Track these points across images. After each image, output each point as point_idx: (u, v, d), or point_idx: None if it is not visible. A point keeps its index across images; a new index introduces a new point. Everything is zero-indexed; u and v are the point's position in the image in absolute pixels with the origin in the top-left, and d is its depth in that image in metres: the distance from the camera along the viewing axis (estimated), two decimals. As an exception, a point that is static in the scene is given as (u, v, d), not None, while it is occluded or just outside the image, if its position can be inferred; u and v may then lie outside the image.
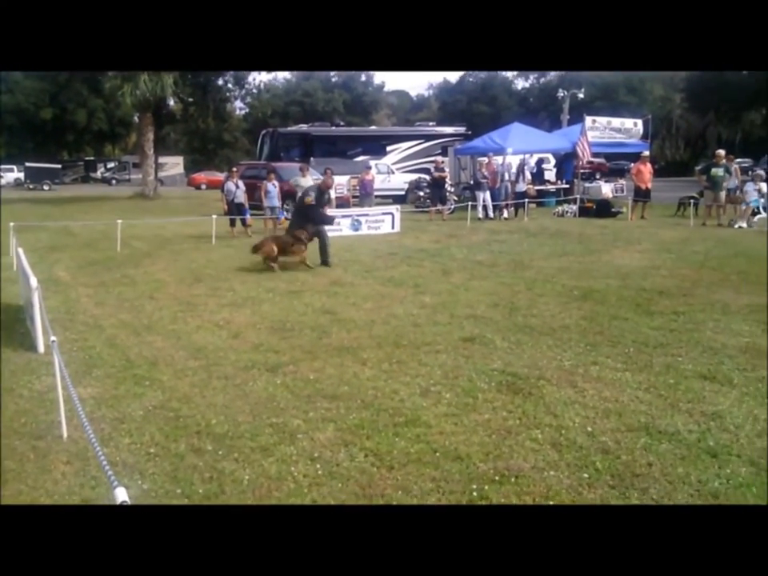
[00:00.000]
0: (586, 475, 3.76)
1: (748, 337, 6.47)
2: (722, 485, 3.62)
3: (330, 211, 11.89)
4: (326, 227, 11.80)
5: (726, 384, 5.19)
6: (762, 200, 16.79)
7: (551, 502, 3.45)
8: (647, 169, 19.06)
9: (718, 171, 17.17)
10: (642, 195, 18.88)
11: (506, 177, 20.17)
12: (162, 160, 45.90)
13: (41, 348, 6.07)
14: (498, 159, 20.80)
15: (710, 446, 4.11)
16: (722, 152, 18.22)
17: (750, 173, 19.60)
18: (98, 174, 58.21)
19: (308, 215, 11.44)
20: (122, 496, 1.88)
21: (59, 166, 53.30)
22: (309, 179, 15.62)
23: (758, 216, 16.56)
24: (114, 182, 54.63)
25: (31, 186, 46.13)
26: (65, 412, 4.29)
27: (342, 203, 19.74)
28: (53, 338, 4.23)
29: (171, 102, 37.99)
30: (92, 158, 61.90)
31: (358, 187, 20.25)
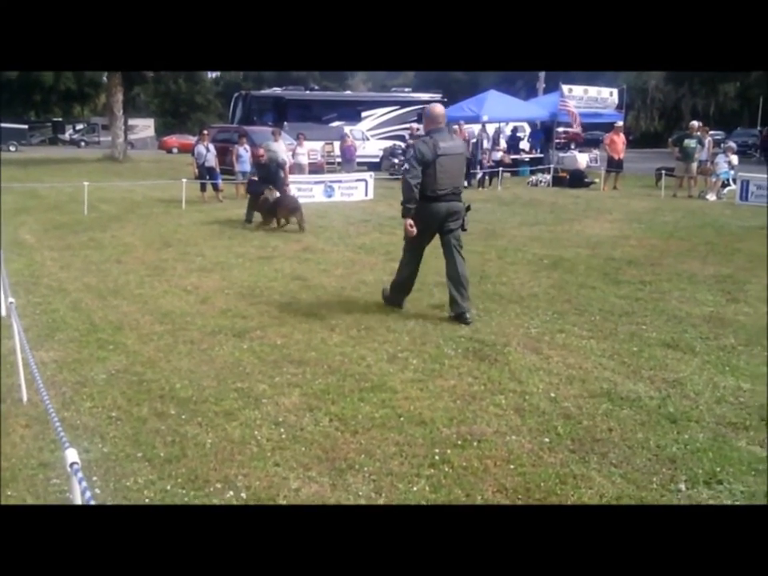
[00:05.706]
0: (547, 440, 3.80)
1: (712, 306, 6.57)
2: (680, 450, 3.69)
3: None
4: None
5: (689, 352, 5.27)
6: (732, 172, 16.90)
7: (511, 466, 3.50)
8: (620, 139, 19.07)
9: (690, 142, 17.20)
10: (614, 166, 18.93)
11: (485, 144, 20.04)
12: (132, 122, 44.88)
13: (3, 311, 5.96)
14: (473, 126, 20.63)
15: (669, 412, 4.18)
16: (695, 123, 18.27)
17: (721, 145, 19.70)
18: (67, 136, 56.68)
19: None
20: (72, 457, 1.85)
21: (26, 126, 51.85)
22: (281, 144, 15.39)
23: (728, 188, 16.69)
24: (82, 143, 53.26)
25: (-4, 147, 44.89)
26: (25, 375, 4.22)
27: (316, 169, 19.51)
28: (11, 299, 4.14)
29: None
30: (60, 119, 60.15)
31: (338, 153, 20.05)
